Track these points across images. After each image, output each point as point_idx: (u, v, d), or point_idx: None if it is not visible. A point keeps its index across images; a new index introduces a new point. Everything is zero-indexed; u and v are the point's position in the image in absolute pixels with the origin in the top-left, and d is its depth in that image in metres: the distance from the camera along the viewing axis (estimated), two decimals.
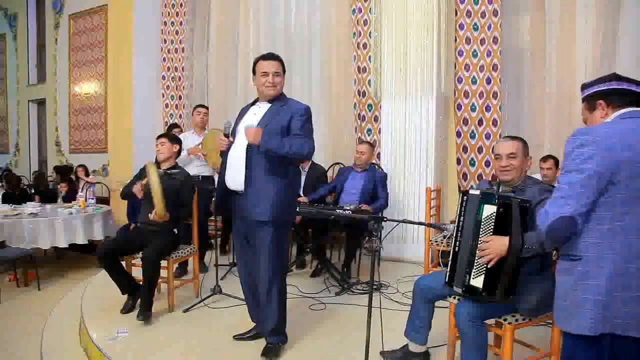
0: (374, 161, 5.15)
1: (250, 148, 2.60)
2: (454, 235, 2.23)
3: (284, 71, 2.73)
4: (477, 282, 2.04)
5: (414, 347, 2.54)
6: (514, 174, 2.27)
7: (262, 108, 2.72)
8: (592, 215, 1.56)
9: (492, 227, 2.03)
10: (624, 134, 1.56)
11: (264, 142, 2.51)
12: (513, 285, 2.02)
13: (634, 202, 1.53)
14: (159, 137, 3.76)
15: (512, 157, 2.26)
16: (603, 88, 1.78)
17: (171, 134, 3.92)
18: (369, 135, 5.61)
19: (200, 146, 4.42)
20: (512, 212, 1.99)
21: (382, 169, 4.97)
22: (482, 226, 2.07)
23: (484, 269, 2.02)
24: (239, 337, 2.94)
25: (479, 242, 2.05)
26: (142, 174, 3.66)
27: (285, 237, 2.77)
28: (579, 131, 1.63)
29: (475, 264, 2.06)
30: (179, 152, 3.78)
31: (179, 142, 3.78)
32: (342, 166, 5.25)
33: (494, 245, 1.98)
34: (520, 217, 1.99)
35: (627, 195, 1.53)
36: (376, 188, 4.43)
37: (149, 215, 3.39)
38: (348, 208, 3.90)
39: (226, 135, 2.73)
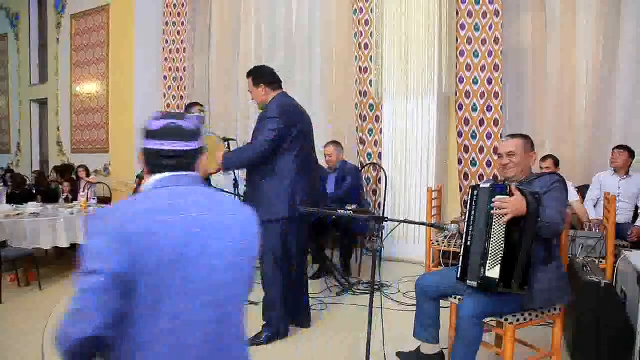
0: (376, 160, 5.16)
1: None
2: (465, 230, 2.23)
3: (261, 82, 2.97)
4: (493, 273, 2.04)
5: (427, 348, 2.49)
6: (514, 171, 2.30)
7: None
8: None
9: None
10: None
11: (222, 163, 2.89)
12: (528, 274, 2.03)
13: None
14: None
15: (511, 155, 2.30)
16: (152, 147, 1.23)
17: None
18: (370, 135, 5.61)
19: None
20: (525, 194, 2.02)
21: (352, 164, 4.95)
22: (494, 217, 2.07)
23: (500, 258, 2.02)
24: None
25: (493, 231, 2.05)
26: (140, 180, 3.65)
27: (277, 231, 2.83)
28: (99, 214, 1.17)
29: (490, 255, 2.05)
30: None
31: None
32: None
33: (513, 202, 1.99)
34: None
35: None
36: (345, 177, 4.51)
37: None
38: (349, 208, 3.91)
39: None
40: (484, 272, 2.07)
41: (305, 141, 2.96)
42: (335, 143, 4.64)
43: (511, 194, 2.02)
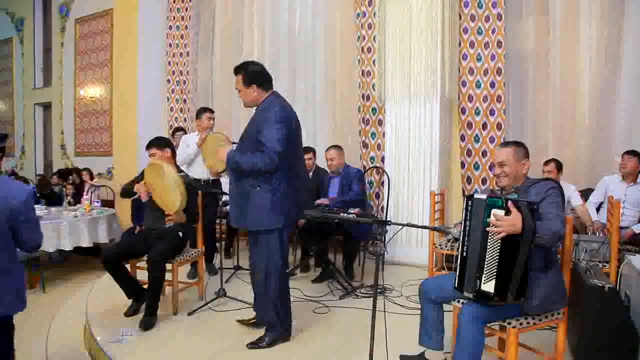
0: (379, 164, 5.15)
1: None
2: (461, 240, 2.23)
3: (252, 82, 2.80)
4: (489, 286, 2.04)
5: (431, 355, 2.50)
6: (507, 181, 2.32)
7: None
8: None
9: None
10: None
11: (226, 160, 2.76)
12: (523, 287, 2.03)
13: None
14: (148, 147, 3.57)
15: (502, 165, 2.32)
16: None
17: (159, 140, 3.65)
18: (373, 138, 5.62)
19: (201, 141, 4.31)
20: (522, 210, 2.01)
21: (356, 167, 4.95)
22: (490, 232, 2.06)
23: (495, 273, 2.02)
24: (241, 321, 3.18)
25: (488, 245, 2.05)
26: (143, 176, 3.64)
27: (276, 240, 2.82)
28: None
29: (486, 269, 2.05)
30: (173, 156, 3.67)
31: (168, 145, 3.62)
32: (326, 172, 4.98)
33: (508, 220, 1.98)
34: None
35: None
36: (351, 185, 4.48)
37: (164, 218, 3.37)
38: (353, 212, 3.90)
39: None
40: (479, 286, 2.07)
41: (296, 145, 2.91)
42: (337, 147, 4.63)
43: (507, 210, 2.01)
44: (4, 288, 2.16)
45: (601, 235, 3.77)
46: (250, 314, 3.21)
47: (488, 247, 2.05)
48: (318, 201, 4.39)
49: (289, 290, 3.00)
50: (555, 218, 2.09)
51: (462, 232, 2.22)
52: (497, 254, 2.03)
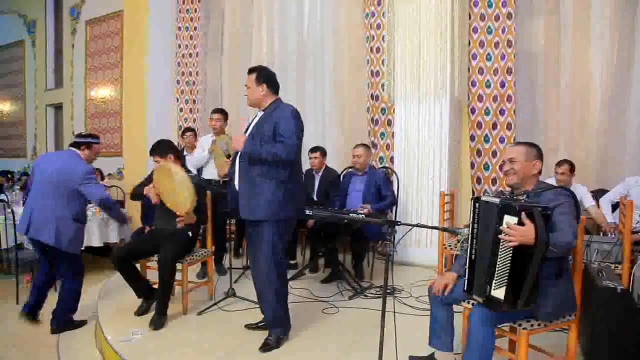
0: (388, 164, 5.13)
1: (240, 153, 2.90)
2: (469, 242, 2.20)
3: (264, 81, 2.93)
4: (499, 293, 2.00)
5: (441, 356, 2.48)
6: (515, 178, 2.31)
7: (258, 116, 3.00)
8: None
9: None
10: None
11: (244, 147, 2.79)
12: (534, 294, 1.99)
13: None
14: (151, 154, 3.57)
15: (512, 161, 2.31)
16: None
17: (160, 147, 3.59)
18: (382, 139, 5.60)
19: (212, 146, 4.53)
20: (535, 219, 1.96)
21: (383, 169, 4.94)
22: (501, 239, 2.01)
23: (505, 280, 1.98)
24: (249, 326, 3.17)
25: (499, 252, 2.01)
26: (152, 177, 3.65)
27: (279, 234, 2.86)
28: None
29: (496, 276, 2.01)
30: (177, 158, 3.65)
31: (169, 149, 3.58)
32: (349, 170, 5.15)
33: (521, 231, 1.92)
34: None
35: None
36: (380, 188, 4.45)
37: (174, 219, 3.38)
38: (362, 212, 3.90)
39: (227, 156, 3.15)
40: (489, 291, 2.04)
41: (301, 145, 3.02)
42: (365, 145, 4.66)
43: (520, 221, 1.94)
44: (66, 230, 3.39)
45: (613, 236, 3.72)
46: (258, 314, 3.22)
47: (499, 254, 2.01)
48: (361, 206, 4.27)
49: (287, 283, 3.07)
50: (567, 229, 2.04)
51: (469, 235, 2.20)
52: (509, 261, 1.98)
